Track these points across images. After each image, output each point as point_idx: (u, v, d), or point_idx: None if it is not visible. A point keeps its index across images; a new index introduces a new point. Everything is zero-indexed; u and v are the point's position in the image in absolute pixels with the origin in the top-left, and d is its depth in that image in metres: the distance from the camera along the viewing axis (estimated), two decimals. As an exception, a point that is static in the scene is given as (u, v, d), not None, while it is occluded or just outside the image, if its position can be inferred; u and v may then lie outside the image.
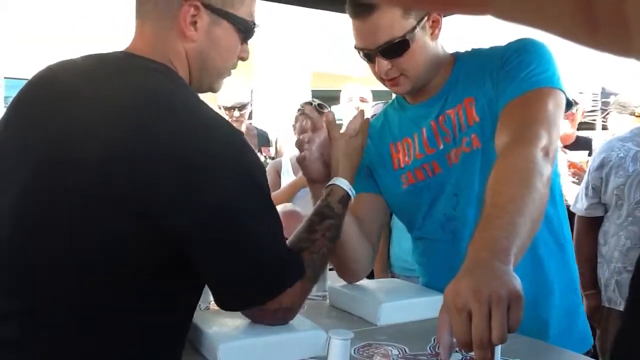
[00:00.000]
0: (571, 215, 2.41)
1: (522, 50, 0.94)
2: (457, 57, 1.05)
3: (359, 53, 1.00)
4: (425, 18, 0.95)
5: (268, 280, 0.73)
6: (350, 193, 0.92)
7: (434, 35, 0.99)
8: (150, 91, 0.70)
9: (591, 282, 1.89)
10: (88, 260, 0.66)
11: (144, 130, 0.66)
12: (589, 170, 1.91)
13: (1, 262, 0.69)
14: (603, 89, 5.32)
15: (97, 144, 0.66)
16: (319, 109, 2.03)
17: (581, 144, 2.53)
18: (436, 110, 1.03)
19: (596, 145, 2.52)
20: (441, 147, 1.02)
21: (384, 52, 0.95)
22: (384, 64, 0.97)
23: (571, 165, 2.30)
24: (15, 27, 8.31)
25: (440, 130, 1.02)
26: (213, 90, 0.85)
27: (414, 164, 1.05)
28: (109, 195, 0.65)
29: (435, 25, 0.98)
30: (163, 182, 0.65)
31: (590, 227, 1.91)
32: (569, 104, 0.94)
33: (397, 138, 1.09)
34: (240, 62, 0.86)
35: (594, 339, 1.92)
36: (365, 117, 1.05)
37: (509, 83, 0.92)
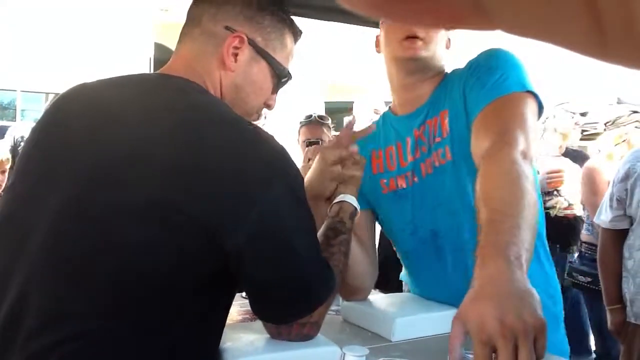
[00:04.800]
0: (559, 225, 2.41)
1: (489, 57, 0.97)
2: (447, 73, 1.08)
3: None
4: None
5: (310, 296, 0.73)
6: (358, 209, 0.94)
7: (447, 44, 1.07)
8: (196, 109, 0.70)
9: (616, 296, 1.83)
10: (138, 277, 0.64)
11: (199, 148, 0.66)
12: (614, 181, 1.86)
13: (38, 284, 0.65)
14: (618, 99, 5.20)
15: (152, 165, 0.65)
16: (320, 120, 2.02)
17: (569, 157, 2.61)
18: (419, 120, 1.05)
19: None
20: (419, 156, 1.04)
21: None
22: None
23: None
24: (30, 42, 8.53)
25: (419, 140, 1.05)
26: None
27: (398, 171, 1.07)
28: (164, 214, 0.64)
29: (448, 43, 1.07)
30: (221, 201, 0.65)
31: (615, 240, 1.85)
32: (541, 107, 0.94)
33: (381, 146, 1.11)
34: None
35: (619, 356, 1.86)
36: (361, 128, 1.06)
37: (479, 90, 0.93)
